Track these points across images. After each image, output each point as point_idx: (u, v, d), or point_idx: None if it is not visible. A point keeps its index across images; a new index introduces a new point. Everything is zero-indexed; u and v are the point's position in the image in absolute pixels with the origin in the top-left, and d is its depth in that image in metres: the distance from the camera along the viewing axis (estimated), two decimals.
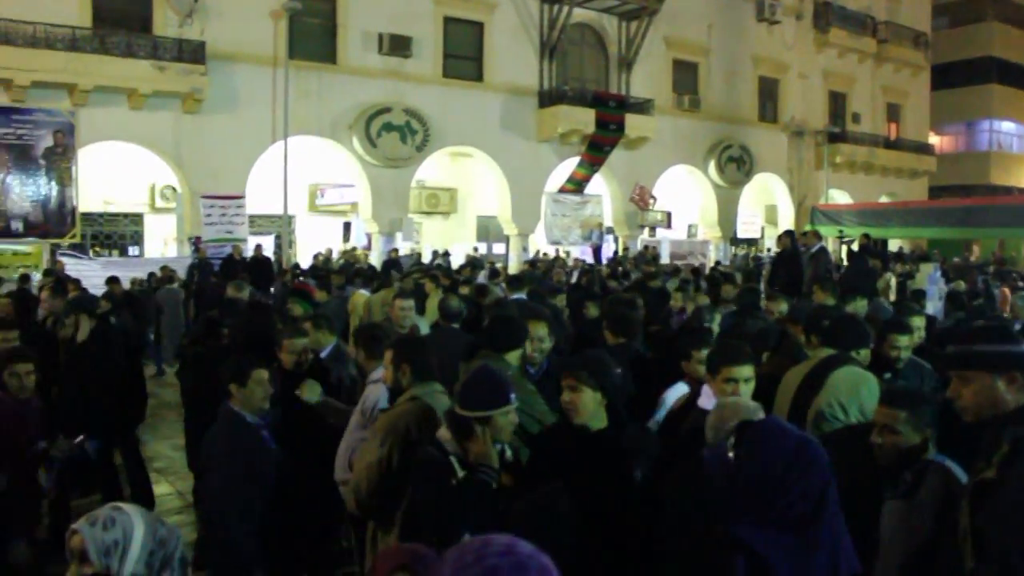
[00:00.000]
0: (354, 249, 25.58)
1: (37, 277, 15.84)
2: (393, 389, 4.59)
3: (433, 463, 3.69)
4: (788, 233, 15.67)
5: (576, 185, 28.16)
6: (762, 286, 14.00)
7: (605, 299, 9.39)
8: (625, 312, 6.89)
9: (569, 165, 28.00)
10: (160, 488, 8.51)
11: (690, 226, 33.92)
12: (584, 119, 26.82)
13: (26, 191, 19.59)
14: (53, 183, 19.83)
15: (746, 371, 4.31)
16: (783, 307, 8.17)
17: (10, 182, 19.43)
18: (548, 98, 27.06)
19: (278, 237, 24.27)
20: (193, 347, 7.30)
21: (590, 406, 3.80)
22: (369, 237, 25.18)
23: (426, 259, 23.24)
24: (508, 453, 3.85)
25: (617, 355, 5.24)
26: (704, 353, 4.83)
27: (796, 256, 14.57)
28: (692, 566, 2.88)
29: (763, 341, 6.33)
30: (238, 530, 4.48)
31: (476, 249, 26.49)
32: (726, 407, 3.55)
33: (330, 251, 24.34)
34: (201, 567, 6.31)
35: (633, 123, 27.74)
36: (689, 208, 33.37)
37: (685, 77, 31.23)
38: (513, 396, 3.70)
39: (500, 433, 3.66)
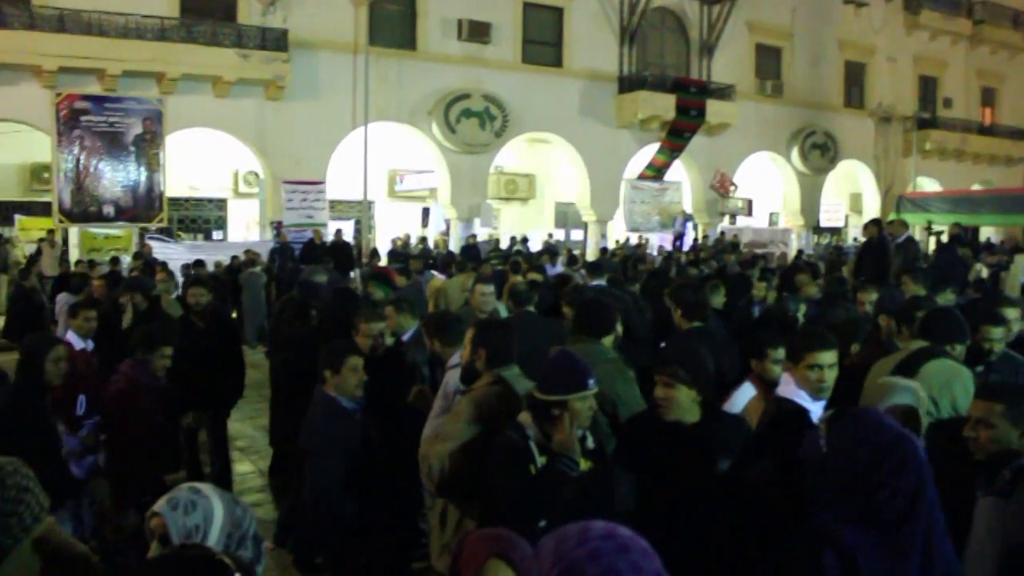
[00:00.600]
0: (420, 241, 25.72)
1: (127, 260, 16.29)
2: (466, 370, 4.59)
3: (511, 449, 3.66)
4: (875, 222, 15.20)
5: (656, 172, 27.84)
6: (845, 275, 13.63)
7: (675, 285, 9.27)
8: (694, 297, 6.87)
9: (649, 151, 27.70)
10: (243, 467, 8.67)
11: (771, 214, 33.31)
12: (664, 105, 26.48)
13: (117, 177, 20.18)
14: (142, 169, 20.38)
15: (830, 357, 4.19)
16: (873, 297, 7.93)
17: (102, 168, 20.03)
18: (628, 84, 26.79)
19: (358, 222, 24.54)
20: (283, 329, 7.43)
21: (684, 403, 3.76)
22: (447, 223, 25.30)
23: (504, 245, 23.22)
24: (589, 441, 3.80)
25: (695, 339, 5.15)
26: (780, 353, 4.69)
27: (883, 245, 14.14)
28: (780, 558, 2.78)
29: (852, 332, 6.14)
30: (340, 509, 4.57)
31: (551, 236, 26.38)
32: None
33: (408, 236, 24.52)
34: (282, 544, 6.44)
35: (714, 109, 27.29)
36: (771, 196, 32.76)
37: (768, 62, 30.60)
38: (592, 382, 3.66)
39: (577, 418, 3.62)
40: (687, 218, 28.30)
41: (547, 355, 5.39)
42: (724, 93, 27.90)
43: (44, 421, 4.80)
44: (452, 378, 5.01)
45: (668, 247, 25.08)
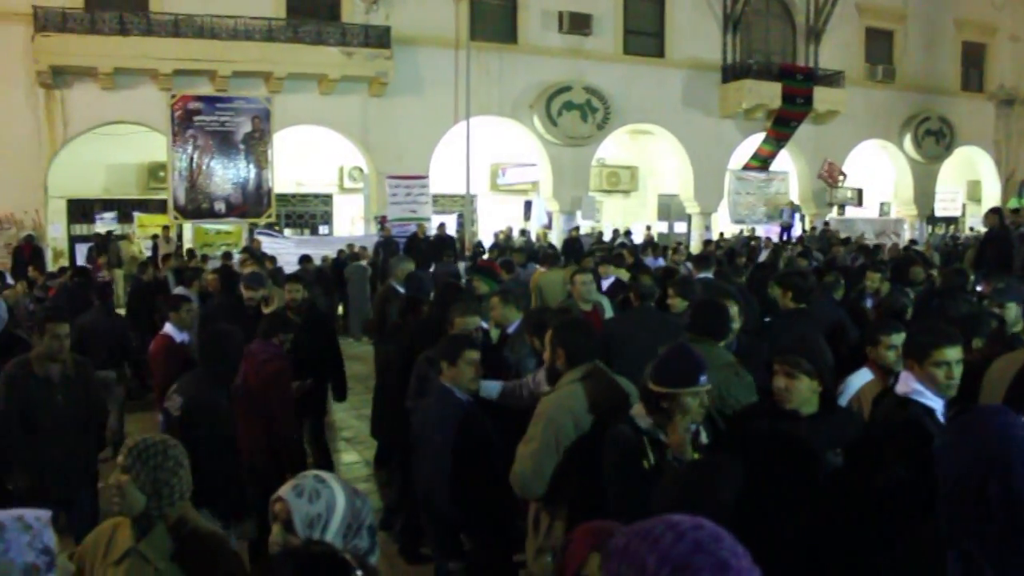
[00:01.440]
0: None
1: (237, 255, 16.76)
2: (549, 371, 4.57)
3: (623, 443, 3.60)
4: (995, 210, 14.48)
5: (761, 162, 27.24)
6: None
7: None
8: (803, 280, 6.97)
9: (754, 141, 27.13)
10: (349, 456, 8.81)
11: (882, 204, 32.19)
12: (770, 93, 25.87)
13: (228, 174, 20.82)
14: (251, 166, 20.98)
15: (956, 353, 3.99)
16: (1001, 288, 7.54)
17: (214, 166, 20.70)
18: (732, 72, 26.27)
19: (460, 216, 24.73)
20: (390, 321, 7.52)
21: (805, 393, 3.70)
22: (550, 216, 25.26)
23: (606, 238, 23.04)
24: (703, 436, 3.72)
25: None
26: (893, 338, 4.65)
27: (1006, 235, 13.47)
28: (903, 561, 2.65)
29: (974, 326, 5.84)
30: (447, 501, 4.58)
31: (649, 228, 26.03)
32: None
33: (510, 230, 24.59)
34: (388, 528, 6.51)
35: (822, 96, 26.51)
36: (882, 185, 31.67)
37: (879, 46, 29.55)
38: (704, 378, 3.58)
39: (688, 414, 3.55)
40: (794, 209, 27.59)
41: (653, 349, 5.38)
42: (832, 80, 27.09)
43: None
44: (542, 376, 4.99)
45: (775, 239, 24.48)
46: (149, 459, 2.95)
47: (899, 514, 2.99)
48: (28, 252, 17.99)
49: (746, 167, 27.30)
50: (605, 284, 9.89)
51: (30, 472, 5.65)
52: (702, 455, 3.62)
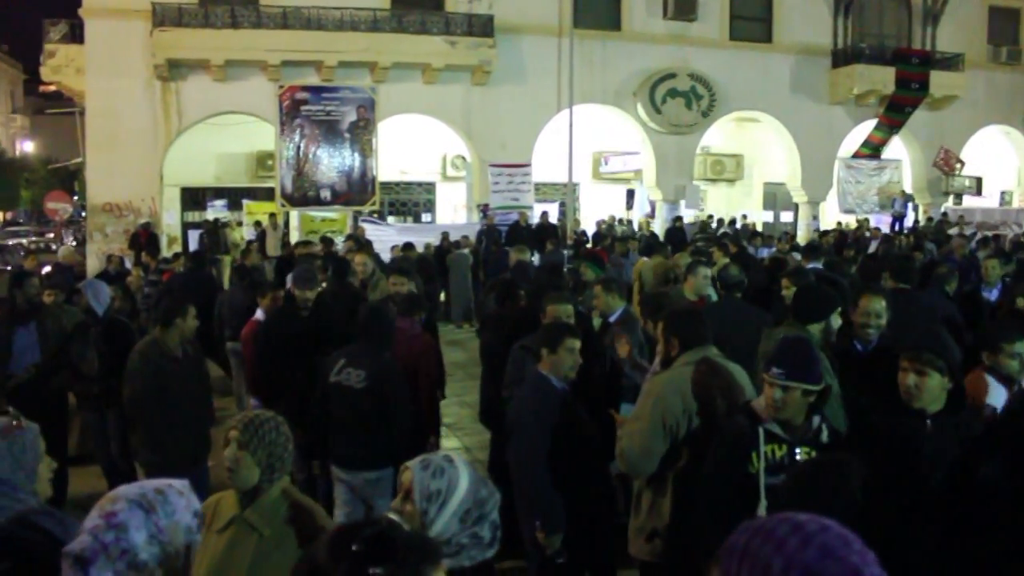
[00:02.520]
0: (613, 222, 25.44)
1: (340, 241, 17.03)
2: (664, 361, 4.55)
3: (735, 437, 3.51)
4: None
5: (872, 150, 26.34)
6: None
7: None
8: (903, 260, 7.31)
9: (865, 128, 26.24)
10: (450, 443, 8.84)
11: (1003, 193, 30.73)
12: (882, 78, 24.96)
13: (333, 163, 21.24)
14: (356, 155, 21.33)
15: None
16: None
17: (320, 155, 21.12)
18: (843, 57, 25.43)
19: (562, 204, 24.64)
20: (491, 308, 7.54)
21: (935, 391, 3.58)
22: (653, 205, 24.95)
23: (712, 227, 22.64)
24: (824, 434, 3.58)
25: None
26: (1018, 346, 4.47)
27: None
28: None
29: None
30: (543, 488, 4.53)
31: (745, 217, 25.35)
32: None
33: (613, 218, 24.38)
34: None
35: (939, 80, 25.43)
36: (1004, 173, 30.23)
37: (1003, 25, 28.17)
38: (821, 379, 3.51)
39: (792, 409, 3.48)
40: (907, 198, 26.59)
41: (747, 341, 5.29)
42: (950, 63, 25.96)
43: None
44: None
45: (886, 229, 23.64)
46: (265, 435, 3.05)
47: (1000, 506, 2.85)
48: (144, 238, 18.67)
49: (856, 155, 26.45)
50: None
51: (157, 446, 5.95)
52: (822, 453, 3.50)
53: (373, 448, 5.34)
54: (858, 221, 24.57)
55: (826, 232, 21.66)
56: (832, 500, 2.57)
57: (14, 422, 2.71)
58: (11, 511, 2.57)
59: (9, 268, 17.29)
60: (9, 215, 52.02)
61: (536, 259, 14.45)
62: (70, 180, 49.46)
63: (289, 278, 8.36)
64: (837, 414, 4.34)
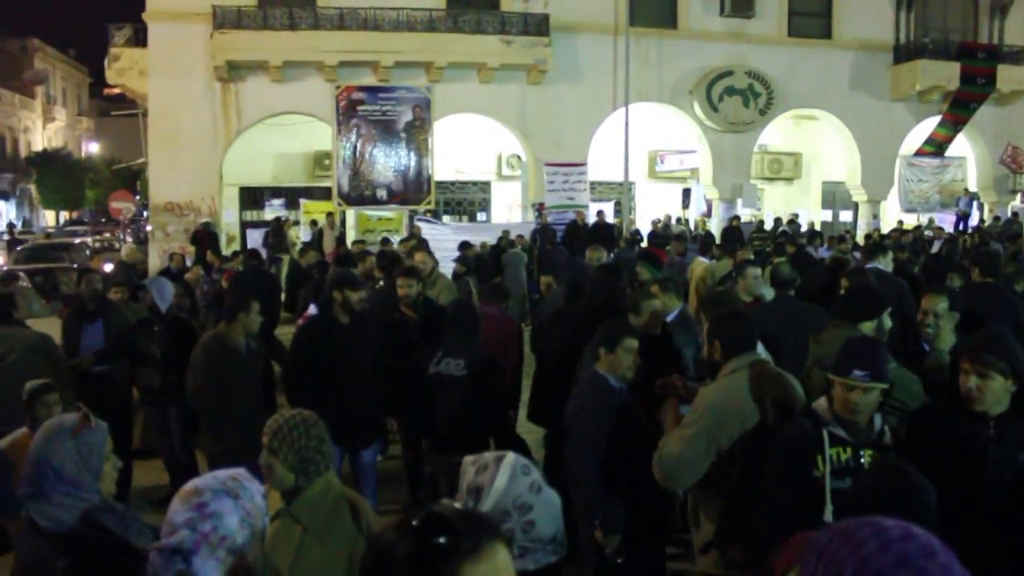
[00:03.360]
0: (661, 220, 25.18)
1: (396, 240, 17.14)
2: (709, 362, 4.51)
3: (797, 441, 3.44)
4: None
5: (936, 147, 25.76)
6: None
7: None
8: (991, 255, 7.26)
9: (928, 125, 25.67)
10: None
11: None
12: (947, 74, 24.38)
13: (389, 162, 21.39)
14: (412, 154, 21.46)
15: None
16: None
17: (376, 154, 21.29)
18: (905, 52, 24.91)
19: (618, 203, 24.51)
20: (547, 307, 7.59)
21: (998, 393, 3.46)
22: (709, 204, 24.71)
23: (768, 227, 22.34)
24: (887, 436, 3.50)
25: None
26: None
27: None
28: None
29: None
30: (597, 489, 4.51)
31: (796, 216, 24.74)
32: None
33: (669, 217, 24.19)
34: None
35: (1006, 75, 24.76)
36: None
37: None
38: (867, 373, 3.39)
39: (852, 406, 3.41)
40: (972, 197, 25.98)
41: (802, 342, 5.22)
42: (1019, 57, 25.30)
43: None
44: None
45: (950, 228, 23.12)
46: (294, 439, 3.10)
47: None
48: (205, 237, 18.97)
49: (919, 152, 25.91)
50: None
51: (219, 437, 6.09)
52: (880, 450, 3.42)
53: (472, 432, 5.58)
54: (917, 223, 24.08)
55: (885, 235, 21.24)
56: (906, 505, 2.49)
57: (86, 420, 2.75)
58: (77, 510, 2.63)
59: (76, 266, 17.69)
60: (75, 215, 53.28)
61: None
62: (133, 180, 50.50)
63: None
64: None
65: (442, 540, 1.44)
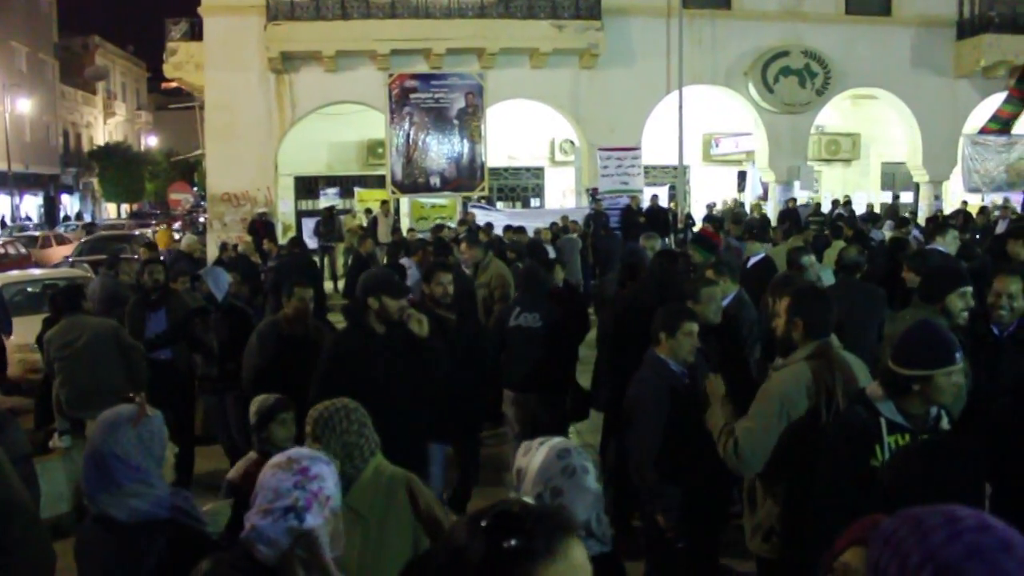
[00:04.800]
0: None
1: (452, 226, 17.18)
2: (782, 340, 4.33)
3: (856, 429, 3.33)
4: None
5: (1002, 125, 25.00)
6: None
7: None
8: None
9: (993, 102, 24.91)
10: None
11: None
12: (1014, 48, 23.60)
13: (442, 149, 21.43)
14: (465, 141, 21.48)
15: None
16: None
17: (429, 142, 21.35)
18: (969, 27, 24.19)
19: (672, 188, 24.30)
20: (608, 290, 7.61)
21: None
22: (765, 187, 24.37)
23: (825, 209, 21.98)
24: (944, 421, 3.37)
25: None
26: None
27: None
28: None
29: None
30: (658, 474, 4.49)
31: (848, 199, 24.28)
32: None
33: (736, 201, 23.92)
34: None
35: None
36: None
37: None
38: (959, 355, 3.26)
39: (939, 394, 3.25)
40: None
41: (865, 326, 5.11)
42: None
43: None
44: None
45: (1020, 208, 22.49)
46: (335, 426, 3.16)
47: None
48: (261, 227, 19.20)
49: (983, 131, 25.17)
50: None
51: None
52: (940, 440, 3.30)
53: (545, 374, 6.63)
54: (982, 202, 23.45)
55: (950, 214, 20.73)
56: (950, 488, 2.40)
57: (144, 409, 2.78)
58: (149, 496, 2.66)
59: (136, 257, 18.03)
60: (135, 207, 54.34)
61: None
62: (191, 172, 51.36)
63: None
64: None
65: (514, 543, 1.41)
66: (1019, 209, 21.99)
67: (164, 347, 7.64)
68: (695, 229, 16.70)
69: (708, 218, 17.99)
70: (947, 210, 22.90)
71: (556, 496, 2.40)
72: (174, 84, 26.25)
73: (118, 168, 49.40)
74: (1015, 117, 24.84)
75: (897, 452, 2.58)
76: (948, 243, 8.41)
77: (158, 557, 2.55)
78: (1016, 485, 3.18)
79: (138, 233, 27.79)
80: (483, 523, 1.45)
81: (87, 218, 47.29)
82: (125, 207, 53.66)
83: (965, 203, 23.81)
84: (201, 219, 35.00)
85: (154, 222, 36.51)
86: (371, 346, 5.18)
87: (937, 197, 24.91)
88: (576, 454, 2.51)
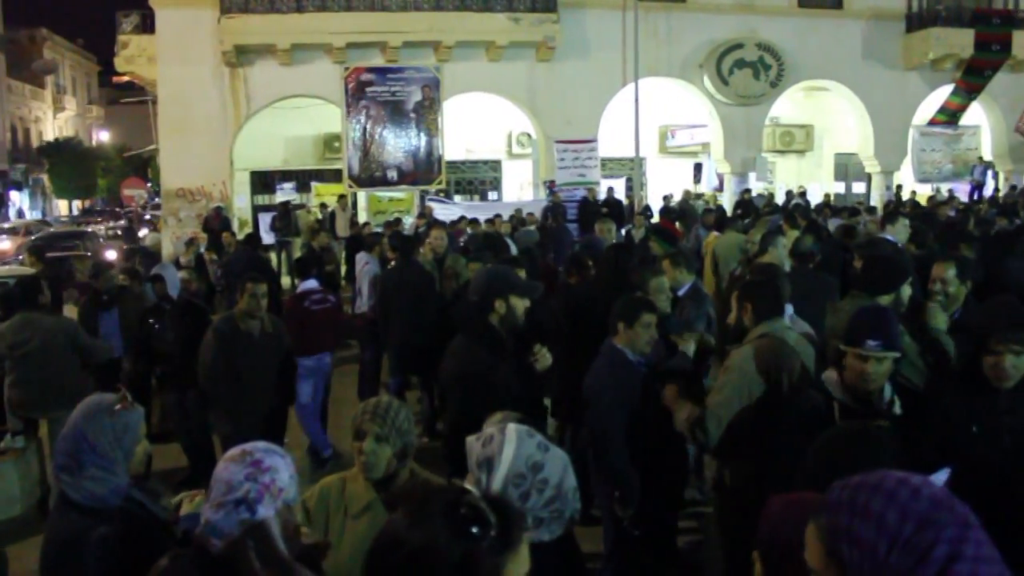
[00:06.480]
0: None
1: (409, 221, 17.14)
2: (736, 329, 4.53)
3: (811, 412, 3.42)
4: None
5: (949, 116, 25.52)
6: None
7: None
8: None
9: (941, 94, 25.41)
10: None
11: None
12: (960, 41, 24.09)
13: (399, 143, 21.35)
14: (422, 134, 21.41)
15: None
16: None
17: (386, 135, 21.26)
18: (918, 20, 24.61)
19: (629, 180, 24.43)
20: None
21: (1023, 370, 3.48)
22: (721, 178, 24.60)
23: (779, 200, 22.24)
24: (897, 406, 3.48)
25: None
26: None
27: None
28: None
29: None
30: (617, 461, 4.55)
31: (802, 189, 24.47)
32: None
33: (689, 193, 24.08)
34: None
35: (1022, 41, 24.40)
36: None
37: None
38: (874, 343, 3.42)
39: (850, 373, 3.46)
40: (987, 166, 25.75)
41: (818, 314, 5.21)
42: None
43: None
44: None
45: (964, 198, 22.94)
46: (400, 423, 3.07)
47: None
48: (217, 222, 19.01)
49: (932, 122, 25.68)
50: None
51: (233, 420, 6.07)
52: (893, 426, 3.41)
53: None
54: (931, 193, 23.88)
55: (901, 203, 21.08)
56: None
57: (125, 401, 2.87)
58: (107, 483, 2.75)
59: (89, 254, 17.78)
60: (87, 203, 53.47)
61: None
62: (144, 167, 50.62)
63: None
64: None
65: (481, 535, 1.44)
66: (965, 199, 22.42)
67: (137, 361, 7.59)
68: (653, 220, 16.78)
69: (665, 210, 18.12)
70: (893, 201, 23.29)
71: (539, 471, 2.42)
72: (126, 78, 25.85)
73: (69, 164, 48.49)
74: (963, 109, 25.39)
75: (823, 436, 2.67)
76: (898, 232, 8.60)
77: (103, 543, 2.61)
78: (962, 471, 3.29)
79: (90, 230, 27.36)
80: (455, 516, 1.46)
81: (36, 215, 46.43)
82: (77, 203, 52.77)
83: (914, 192, 24.28)
84: (147, 216, 34.63)
85: (114, 220, 36.00)
86: (499, 364, 4.30)
87: (888, 188, 25.31)
88: (537, 432, 2.55)
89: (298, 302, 7.99)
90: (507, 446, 2.43)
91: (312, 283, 8.21)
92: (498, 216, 16.38)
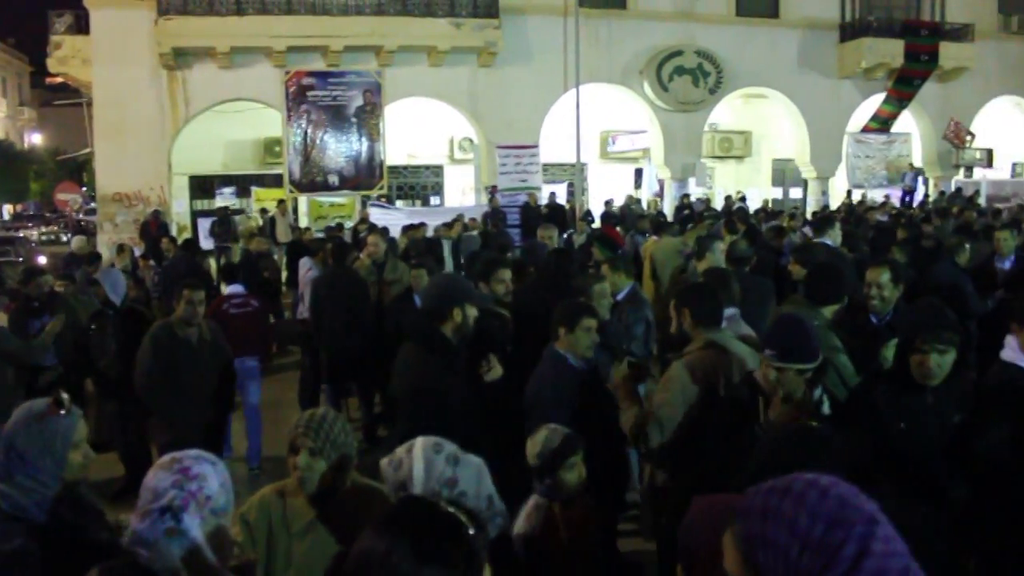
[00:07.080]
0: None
1: (350, 226, 17.05)
2: (676, 335, 4.58)
3: (736, 406, 3.52)
4: None
5: (881, 124, 26.16)
6: None
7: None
8: None
9: (873, 102, 26.05)
10: None
11: (1015, 165, 30.45)
12: (891, 51, 24.74)
13: (340, 148, 21.25)
14: (363, 139, 21.34)
15: None
16: None
17: (327, 140, 21.14)
18: (851, 31, 25.22)
19: (571, 185, 24.59)
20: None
21: (949, 366, 3.61)
22: (661, 183, 24.88)
23: (717, 205, 22.59)
24: (826, 405, 3.61)
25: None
26: None
27: None
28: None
29: None
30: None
31: (740, 195, 24.99)
32: None
33: (631, 198, 24.32)
34: None
35: (948, 52, 25.16)
36: (1015, 144, 29.95)
37: None
38: (772, 353, 3.53)
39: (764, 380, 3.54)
40: (917, 172, 26.40)
41: (754, 316, 5.32)
42: (960, 34, 25.70)
43: None
44: None
45: (896, 203, 23.51)
46: (335, 436, 2.99)
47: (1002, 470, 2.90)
48: (155, 227, 18.71)
49: (865, 129, 26.29)
50: None
51: (171, 428, 6.01)
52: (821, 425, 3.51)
53: None
54: (862, 198, 24.43)
55: (835, 209, 21.54)
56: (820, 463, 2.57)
57: (55, 406, 2.75)
58: (34, 494, 2.65)
59: (21, 260, 17.38)
60: (19, 207, 52.18)
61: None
62: (79, 171, 49.58)
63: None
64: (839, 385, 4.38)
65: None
66: (898, 204, 22.98)
67: (75, 370, 7.42)
68: (594, 226, 16.93)
69: (606, 215, 18.29)
70: (833, 205, 23.82)
71: (453, 486, 2.43)
72: (59, 79, 25.29)
73: None
74: (894, 117, 26.04)
75: (763, 437, 2.75)
76: (834, 236, 8.85)
77: (17, 555, 2.52)
78: (890, 467, 3.41)
79: (22, 235, 26.73)
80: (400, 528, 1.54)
81: None
82: (8, 207, 51.46)
83: (849, 192, 24.81)
84: (80, 220, 33.89)
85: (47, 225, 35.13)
86: (453, 375, 4.36)
87: (824, 193, 25.83)
88: (445, 443, 2.55)
89: (218, 305, 7.97)
90: (416, 467, 2.43)
91: (237, 287, 8.25)
92: (423, 224, 16.33)
